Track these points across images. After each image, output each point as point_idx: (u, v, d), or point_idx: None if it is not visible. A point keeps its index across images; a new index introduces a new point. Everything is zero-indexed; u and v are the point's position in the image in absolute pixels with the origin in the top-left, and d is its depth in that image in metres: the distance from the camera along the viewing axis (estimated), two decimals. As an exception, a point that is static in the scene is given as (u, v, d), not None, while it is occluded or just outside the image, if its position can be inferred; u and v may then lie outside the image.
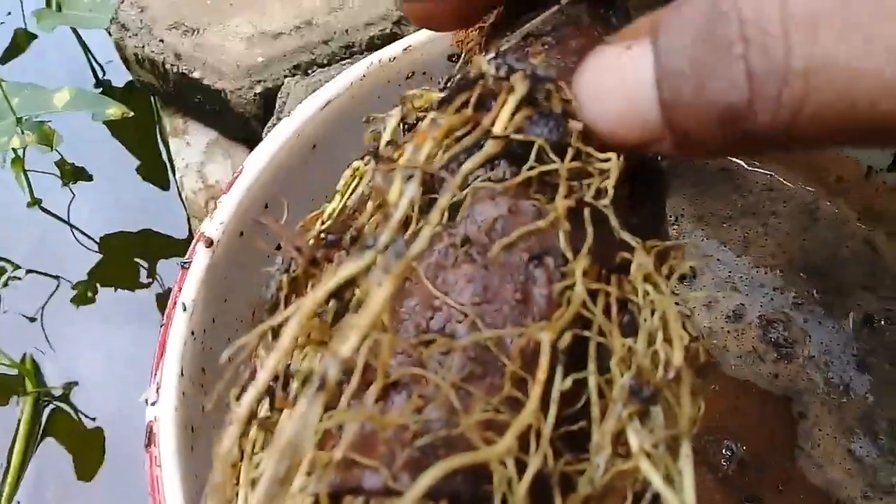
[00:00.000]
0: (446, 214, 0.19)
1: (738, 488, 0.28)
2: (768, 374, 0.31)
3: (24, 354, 0.67)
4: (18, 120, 0.62)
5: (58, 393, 0.66)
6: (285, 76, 0.59)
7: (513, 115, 0.19)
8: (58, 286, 0.75)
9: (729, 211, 0.33)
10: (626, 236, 0.18)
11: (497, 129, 0.19)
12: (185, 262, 0.27)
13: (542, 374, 0.17)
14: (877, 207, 0.32)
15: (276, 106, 0.58)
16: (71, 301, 0.75)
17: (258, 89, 0.60)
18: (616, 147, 0.18)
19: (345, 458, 0.16)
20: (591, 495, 0.17)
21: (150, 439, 0.24)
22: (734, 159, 0.33)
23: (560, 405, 0.17)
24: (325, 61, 0.60)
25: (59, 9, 0.68)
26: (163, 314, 0.78)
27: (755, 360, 0.31)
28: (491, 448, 0.16)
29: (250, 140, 0.65)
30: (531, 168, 0.18)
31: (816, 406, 0.30)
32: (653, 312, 0.18)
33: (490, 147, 0.19)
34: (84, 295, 0.76)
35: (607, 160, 0.18)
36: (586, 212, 0.18)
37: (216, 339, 0.28)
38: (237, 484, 0.19)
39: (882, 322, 0.31)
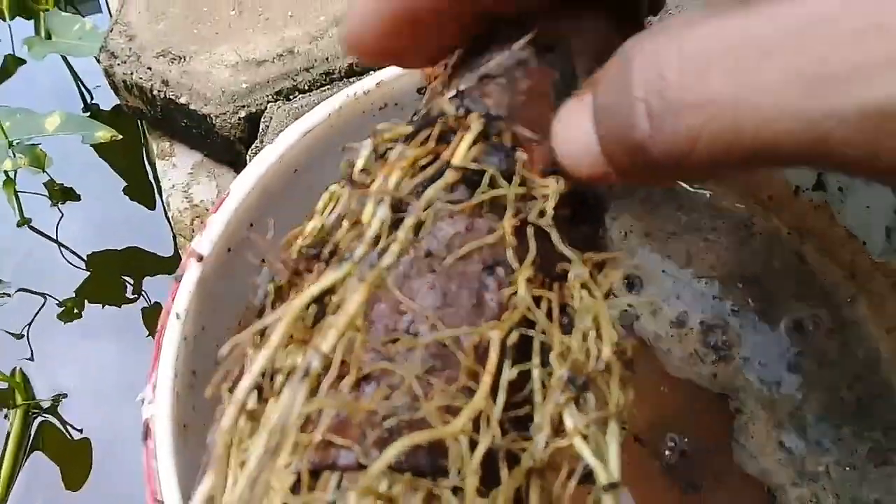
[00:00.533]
0: (412, 232, 0.22)
1: (680, 476, 0.31)
2: (708, 374, 0.34)
3: (14, 368, 0.69)
4: (10, 143, 0.65)
5: (46, 405, 0.68)
6: (268, 101, 0.62)
7: (469, 148, 0.22)
8: (44, 303, 0.77)
9: (673, 227, 0.36)
10: (565, 250, 0.22)
11: (456, 161, 0.22)
12: (177, 276, 0.30)
13: (491, 366, 0.20)
14: (805, 223, 0.35)
15: (260, 129, 0.61)
16: (58, 317, 0.77)
17: (242, 114, 0.62)
18: (583, 181, 0.21)
19: (323, 439, 0.19)
20: (532, 468, 0.20)
21: (146, 434, 0.27)
22: (679, 182, 0.37)
23: (507, 392, 0.20)
24: (307, 87, 0.63)
25: (49, 37, 0.71)
26: (148, 328, 0.80)
27: (696, 362, 0.34)
28: (447, 427, 0.19)
29: (234, 162, 0.68)
30: (483, 192, 0.22)
31: (751, 403, 0.33)
32: (586, 314, 0.21)
33: (449, 176, 0.22)
34: (70, 311, 0.78)
35: (546, 186, 0.22)
36: (530, 229, 0.22)
37: (206, 346, 0.30)
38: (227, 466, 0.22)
39: (811, 327, 0.34)
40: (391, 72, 0.35)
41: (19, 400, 0.66)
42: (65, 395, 0.69)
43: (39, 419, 0.70)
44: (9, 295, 0.73)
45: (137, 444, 0.61)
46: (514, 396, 0.21)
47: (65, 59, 0.83)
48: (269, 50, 0.64)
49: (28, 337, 0.76)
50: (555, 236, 0.22)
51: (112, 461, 0.69)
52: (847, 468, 0.32)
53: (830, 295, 0.35)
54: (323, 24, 0.64)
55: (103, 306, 0.79)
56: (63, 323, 0.78)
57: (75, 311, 0.78)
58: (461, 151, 0.22)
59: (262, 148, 0.61)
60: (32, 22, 0.84)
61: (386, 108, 0.36)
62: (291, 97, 0.63)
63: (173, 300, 0.29)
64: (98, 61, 0.66)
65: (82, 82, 0.83)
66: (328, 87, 0.63)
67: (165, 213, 0.76)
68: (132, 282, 0.79)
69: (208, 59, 0.64)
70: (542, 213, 0.22)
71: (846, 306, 0.34)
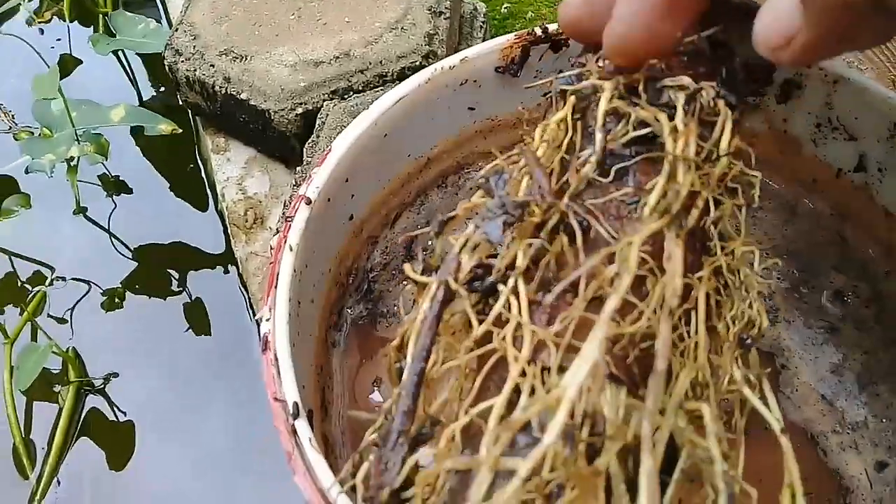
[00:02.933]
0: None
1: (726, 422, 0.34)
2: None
3: (68, 347, 0.72)
4: (76, 132, 0.68)
5: (98, 383, 0.71)
6: (324, 100, 0.66)
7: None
8: (88, 290, 0.80)
9: (723, 205, 0.40)
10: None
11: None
12: (288, 216, 0.33)
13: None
14: (846, 203, 0.38)
15: (316, 125, 0.65)
16: (101, 305, 0.80)
17: (299, 110, 0.66)
18: (771, 51, 0.23)
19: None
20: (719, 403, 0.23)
21: (265, 346, 0.30)
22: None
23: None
24: (361, 88, 0.67)
25: (113, 35, 0.75)
26: (189, 322, 0.82)
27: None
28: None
29: (286, 158, 0.71)
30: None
31: (795, 360, 0.36)
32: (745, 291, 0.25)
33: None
34: (112, 300, 0.81)
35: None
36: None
37: (306, 280, 0.34)
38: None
39: (849, 297, 0.38)
40: (475, 50, 0.39)
41: (72, 377, 0.69)
42: (116, 375, 0.71)
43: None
44: (63, 279, 0.76)
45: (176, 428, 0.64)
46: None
47: (120, 60, 0.87)
48: (325, 52, 0.68)
49: (71, 322, 0.78)
50: None
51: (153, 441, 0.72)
52: (884, 420, 0.35)
53: (868, 268, 0.38)
54: (378, 29, 0.68)
55: (148, 297, 0.81)
56: (105, 312, 0.80)
57: (117, 300, 0.81)
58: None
59: (317, 143, 0.64)
60: (90, 26, 0.88)
61: (466, 83, 0.39)
62: (346, 96, 0.66)
63: (286, 236, 0.33)
64: (163, 58, 0.70)
65: (136, 82, 0.87)
66: (381, 88, 0.67)
67: (216, 207, 0.80)
68: (177, 276, 0.82)
69: (268, 58, 0.68)
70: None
71: (882, 279, 0.38)
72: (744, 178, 0.26)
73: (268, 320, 0.31)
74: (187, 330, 0.78)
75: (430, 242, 0.39)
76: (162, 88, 0.86)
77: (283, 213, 0.60)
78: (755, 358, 0.24)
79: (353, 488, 0.22)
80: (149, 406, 0.72)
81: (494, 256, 0.23)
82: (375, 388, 0.39)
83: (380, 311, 0.40)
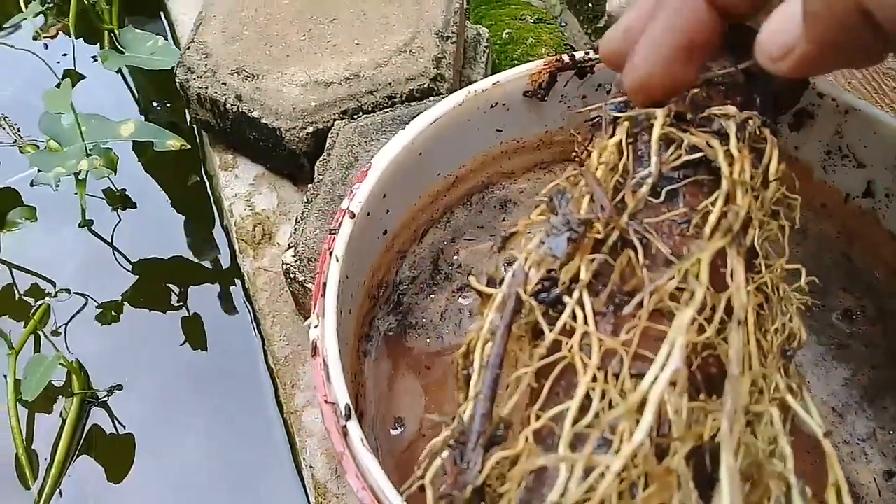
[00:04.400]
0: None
1: None
2: (773, 350, 0.39)
3: (73, 360, 0.72)
4: (86, 146, 0.69)
5: (103, 395, 0.71)
6: (335, 119, 0.68)
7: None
8: (85, 304, 0.80)
9: (737, 227, 0.42)
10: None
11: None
12: (332, 229, 0.35)
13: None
14: (853, 227, 0.41)
15: (327, 143, 0.66)
16: (95, 319, 0.80)
17: (310, 129, 0.68)
18: (771, 60, 0.25)
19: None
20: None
21: (315, 351, 0.31)
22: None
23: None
24: (370, 108, 0.68)
25: (122, 52, 0.76)
26: (185, 335, 0.83)
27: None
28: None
29: (294, 175, 0.73)
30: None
31: (808, 375, 0.38)
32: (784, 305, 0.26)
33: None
34: (108, 314, 0.81)
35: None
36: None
37: (346, 291, 0.35)
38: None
39: (858, 315, 0.40)
40: (506, 75, 0.40)
41: (76, 388, 0.69)
42: (120, 387, 0.72)
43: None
44: (67, 292, 0.77)
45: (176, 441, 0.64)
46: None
47: (124, 77, 0.88)
48: (336, 73, 0.69)
49: (65, 336, 0.78)
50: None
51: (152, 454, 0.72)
52: (891, 431, 0.37)
53: (874, 288, 0.40)
54: (387, 52, 0.70)
55: (146, 310, 0.82)
56: (100, 325, 0.81)
57: (113, 313, 0.81)
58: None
59: (328, 161, 0.66)
60: (95, 43, 0.89)
61: (496, 106, 0.41)
62: (356, 116, 0.68)
63: (330, 248, 0.34)
64: (174, 75, 0.71)
65: (138, 99, 0.88)
66: (390, 108, 0.68)
67: (221, 223, 0.81)
68: (177, 290, 0.83)
69: (280, 78, 0.70)
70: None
71: (888, 298, 0.40)
72: (786, 200, 0.27)
73: (316, 327, 0.32)
74: (183, 343, 0.79)
75: (454, 257, 0.41)
76: (168, 104, 0.87)
77: (293, 233, 0.61)
78: (794, 368, 0.25)
79: (422, 488, 0.24)
80: (146, 420, 0.72)
81: (553, 271, 0.25)
82: (399, 427, 0.40)
83: (409, 322, 0.42)
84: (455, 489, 0.21)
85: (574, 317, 0.23)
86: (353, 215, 0.35)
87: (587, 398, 0.22)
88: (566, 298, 0.24)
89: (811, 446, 0.37)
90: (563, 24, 0.88)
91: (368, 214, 0.37)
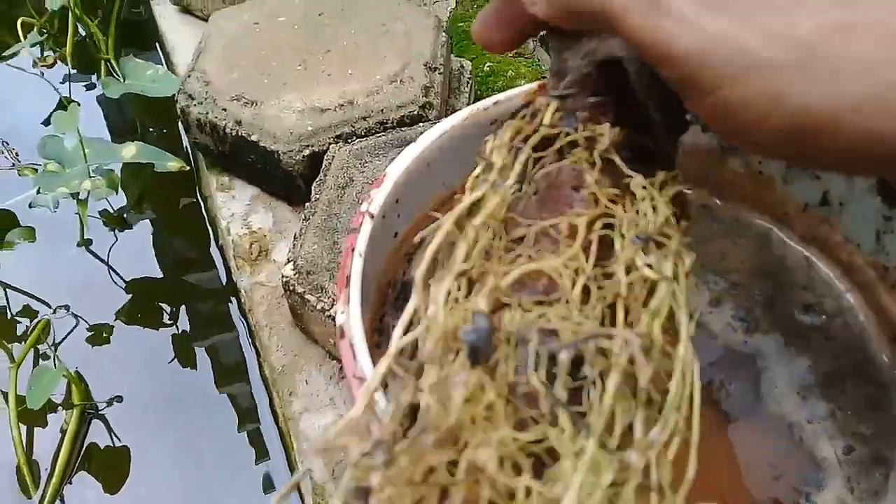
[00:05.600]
0: (522, 166, 0.32)
1: (721, 407, 0.41)
2: (740, 341, 0.43)
3: (75, 370, 0.75)
4: (88, 168, 0.73)
5: (102, 407, 0.74)
6: (330, 143, 0.72)
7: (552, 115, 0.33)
8: (76, 325, 0.83)
9: (709, 233, 0.47)
10: (626, 169, 0.31)
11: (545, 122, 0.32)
12: (353, 228, 0.39)
13: (580, 237, 0.29)
14: (812, 232, 0.46)
15: (323, 165, 0.70)
16: (86, 341, 0.83)
17: (307, 152, 0.72)
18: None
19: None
20: (617, 294, 0.29)
21: (342, 335, 0.35)
22: (712, 197, 0.48)
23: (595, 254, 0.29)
24: (363, 133, 0.73)
25: (124, 79, 0.80)
26: (174, 352, 0.85)
27: (730, 332, 0.44)
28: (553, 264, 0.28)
29: (290, 196, 0.76)
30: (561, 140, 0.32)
31: (773, 363, 0.43)
32: (645, 201, 0.31)
33: (543, 131, 0.32)
34: (100, 335, 0.84)
35: (603, 133, 0.32)
36: (597, 157, 0.31)
37: (364, 285, 0.39)
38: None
39: (817, 310, 0.45)
40: (506, 95, 0.45)
41: (76, 400, 0.72)
42: (119, 398, 0.74)
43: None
44: (66, 308, 0.79)
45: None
46: (600, 258, 0.30)
47: (119, 106, 0.91)
48: (331, 100, 0.74)
49: (57, 359, 0.80)
50: (617, 160, 0.32)
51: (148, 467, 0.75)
52: (848, 412, 0.41)
53: (832, 286, 0.45)
54: (378, 81, 0.75)
55: (137, 328, 0.84)
56: (92, 349, 0.83)
57: (104, 335, 0.84)
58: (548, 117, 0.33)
59: (324, 181, 0.70)
60: (93, 73, 0.93)
61: (494, 122, 0.45)
62: (350, 140, 0.72)
63: (352, 246, 0.38)
64: (175, 102, 0.75)
65: (134, 126, 0.91)
66: (382, 133, 0.73)
67: (216, 243, 0.84)
68: (170, 310, 0.85)
69: (277, 104, 0.74)
70: (606, 150, 0.32)
71: (844, 295, 0.45)
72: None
73: (342, 313, 0.36)
74: (171, 360, 0.81)
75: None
76: (163, 130, 0.91)
77: (292, 248, 0.65)
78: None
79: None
80: (144, 433, 0.75)
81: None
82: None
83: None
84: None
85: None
86: (372, 216, 0.39)
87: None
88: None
89: (778, 429, 0.42)
90: (537, 59, 0.93)
91: (384, 217, 0.41)
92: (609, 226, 0.30)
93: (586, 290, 0.28)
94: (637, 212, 0.31)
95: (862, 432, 0.41)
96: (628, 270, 0.29)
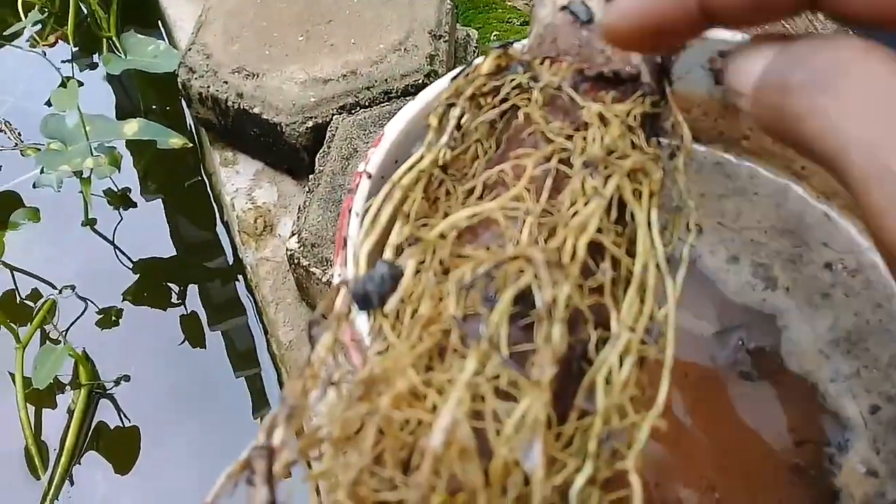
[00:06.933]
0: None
1: (741, 366, 0.39)
2: (758, 300, 0.42)
3: (82, 350, 0.74)
4: (90, 145, 0.71)
5: (110, 386, 0.73)
6: (333, 114, 0.70)
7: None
8: (85, 308, 0.82)
9: (723, 190, 0.45)
10: (580, 101, 0.30)
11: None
12: (351, 189, 0.37)
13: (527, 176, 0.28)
14: (830, 188, 0.44)
15: (326, 137, 0.69)
16: (96, 324, 0.82)
17: (310, 124, 0.70)
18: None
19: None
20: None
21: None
22: (725, 154, 0.46)
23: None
24: (367, 103, 0.71)
25: (126, 56, 0.79)
26: (184, 333, 0.84)
27: (749, 290, 0.42)
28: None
29: (293, 170, 0.75)
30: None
31: (794, 322, 0.41)
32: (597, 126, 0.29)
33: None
34: (109, 318, 0.83)
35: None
36: (538, 94, 0.30)
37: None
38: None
39: (839, 267, 0.43)
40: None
41: (83, 380, 0.71)
42: (127, 378, 0.73)
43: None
44: (72, 288, 0.78)
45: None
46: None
47: (122, 83, 0.90)
48: (334, 70, 0.72)
49: (64, 339, 0.79)
50: (570, 91, 0.30)
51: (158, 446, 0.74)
52: (874, 370, 0.40)
53: (853, 243, 0.43)
54: (382, 50, 0.73)
55: (145, 308, 0.83)
56: (100, 330, 0.82)
57: (113, 318, 0.83)
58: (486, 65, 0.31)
59: (328, 153, 0.68)
60: (95, 52, 0.91)
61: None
62: (353, 111, 0.71)
63: (350, 206, 0.37)
64: (176, 76, 0.74)
65: (136, 104, 0.90)
66: (386, 104, 0.71)
67: (222, 219, 0.83)
68: (177, 288, 0.84)
69: (279, 76, 0.72)
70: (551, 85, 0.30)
71: (866, 251, 0.43)
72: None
73: (339, 275, 0.34)
74: (182, 342, 0.80)
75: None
76: (167, 108, 0.89)
77: (296, 221, 0.64)
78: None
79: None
80: (152, 414, 0.74)
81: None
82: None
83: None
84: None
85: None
86: (369, 176, 0.38)
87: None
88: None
89: (801, 388, 0.40)
90: (547, 26, 0.91)
91: (382, 177, 0.39)
92: (568, 161, 0.28)
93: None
94: (586, 139, 0.29)
95: (888, 391, 0.39)
96: (575, 200, 0.27)
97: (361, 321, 0.29)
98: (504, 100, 0.31)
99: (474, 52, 0.82)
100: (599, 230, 0.26)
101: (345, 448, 0.22)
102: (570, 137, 0.29)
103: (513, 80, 0.31)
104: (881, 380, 0.39)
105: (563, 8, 0.31)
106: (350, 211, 0.37)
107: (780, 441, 0.38)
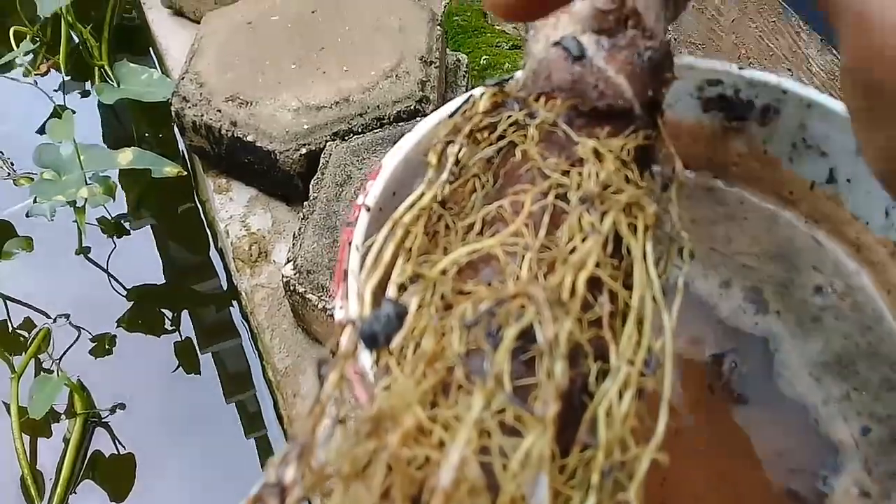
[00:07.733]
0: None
1: (733, 389, 0.40)
2: (751, 323, 0.42)
3: (77, 378, 0.74)
4: (84, 175, 0.72)
5: (105, 415, 0.73)
6: (326, 140, 0.71)
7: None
8: (78, 336, 0.82)
9: (714, 216, 0.46)
10: (575, 137, 0.30)
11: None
12: (349, 222, 0.38)
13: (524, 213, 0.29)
14: (819, 211, 0.45)
15: (320, 163, 0.70)
16: (89, 352, 0.82)
17: (303, 151, 0.71)
18: None
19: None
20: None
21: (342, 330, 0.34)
22: (715, 180, 0.47)
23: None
24: (360, 129, 0.72)
25: (119, 85, 0.79)
26: (179, 359, 0.84)
27: (741, 314, 0.43)
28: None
29: (288, 196, 0.76)
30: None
31: (786, 345, 0.42)
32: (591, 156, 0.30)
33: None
34: (102, 346, 0.83)
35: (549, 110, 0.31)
36: (534, 130, 0.30)
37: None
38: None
39: (827, 290, 0.44)
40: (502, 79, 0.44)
41: (79, 408, 0.71)
42: (122, 406, 0.73)
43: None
44: (66, 317, 0.79)
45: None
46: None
47: (114, 112, 0.91)
48: (327, 97, 0.73)
49: (59, 368, 0.79)
50: (564, 127, 0.30)
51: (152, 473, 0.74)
52: (864, 392, 0.40)
53: (841, 266, 0.44)
54: (374, 77, 0.74)
55: (140, 335, 0.83)
56: (94, 358, 0.82)
57: (107, 346, 0.83)
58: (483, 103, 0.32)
59: (322, 179, 0.69)
60: (86, 80, 0.92)
61: (491, 111, 0.45)
62: (346, 138, 0.71)
63: (349, 239, 0.37)
64: (170, 105, 0.74)
65: (129, 133, 0.91)
66: (379, 130, 0.72)
67: (216, 246, 0.83)
68: (171, 315, 0.85)
69: (272, 104, 0.73)
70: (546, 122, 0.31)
71: (854, 274, 0.44)
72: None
73: (341, 308, 0.35)
74: (176, 369, 0.81)
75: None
76: (159, 135, 0.90)
77: (291, 247, 0.64)
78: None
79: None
80: (146, 441, 0.74)
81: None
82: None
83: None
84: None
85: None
86: (368, 209, 0.38)
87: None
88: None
89: (793, 411, 0.41)
90: (536, 50, 0.92)
91: (381, 210, 0.40)
92: (564, 197, 0.29)
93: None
94: (581, 174, 0.30)
95: (879, 412, 0.40)
96: (572, 235, 0.28)
97: (364, 356, 0.29)
98: (501, 136, 0.32)
99: (464, 76, 0.83)
100: (597, 264, 0.27)
101: (353, 484, 0.22)
102: (566, 173, 0.30)
103: (509, 116, 0.32)
104: (872, 401, 0.40)
105: (556, 44, 0.32)
106: (350, 244, 0.38)
107: (774, 464, 0.39)
